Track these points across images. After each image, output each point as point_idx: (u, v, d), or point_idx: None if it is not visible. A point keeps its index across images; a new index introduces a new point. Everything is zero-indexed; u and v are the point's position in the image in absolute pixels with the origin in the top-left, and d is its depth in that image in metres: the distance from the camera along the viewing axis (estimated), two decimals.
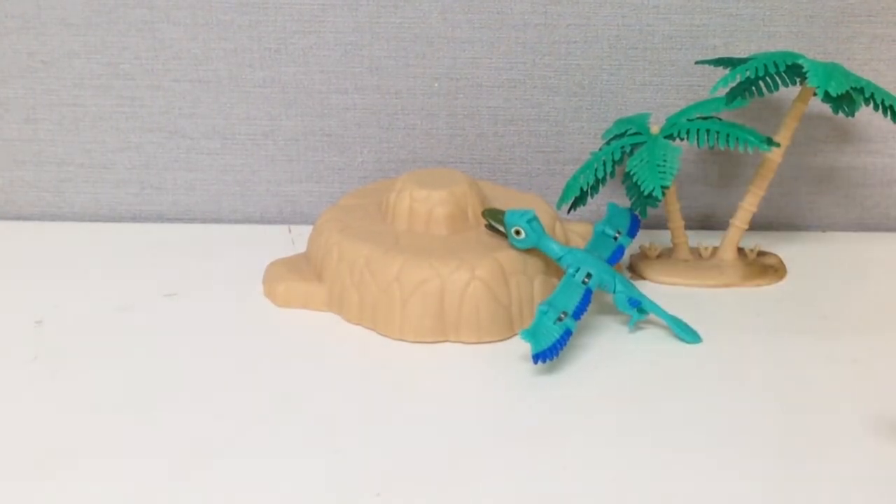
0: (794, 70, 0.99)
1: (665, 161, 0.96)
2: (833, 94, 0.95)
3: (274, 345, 0.92)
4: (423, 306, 0.93)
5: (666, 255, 1.08)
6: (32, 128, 1.16)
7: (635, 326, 0.96)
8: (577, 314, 0.91)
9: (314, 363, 0.90)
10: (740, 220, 1.05)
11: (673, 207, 1.05)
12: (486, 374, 0.90)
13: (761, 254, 1.08)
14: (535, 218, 0.95)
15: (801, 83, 1.00)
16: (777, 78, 1.00)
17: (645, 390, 0.87)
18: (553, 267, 0.98)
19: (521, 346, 0.90)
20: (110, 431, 0.81)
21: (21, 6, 1.11)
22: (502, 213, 0.96)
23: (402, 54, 1.12)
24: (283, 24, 1.11)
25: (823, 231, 1.17)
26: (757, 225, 1.09)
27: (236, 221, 1.19)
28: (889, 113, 1.00)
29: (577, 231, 1.05)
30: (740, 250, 1.07)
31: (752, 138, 0.98)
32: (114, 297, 1.00)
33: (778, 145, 1.01)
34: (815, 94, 0.97)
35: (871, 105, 1.00)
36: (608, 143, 1.03)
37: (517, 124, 1.15)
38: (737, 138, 0.98)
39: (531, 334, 0.89)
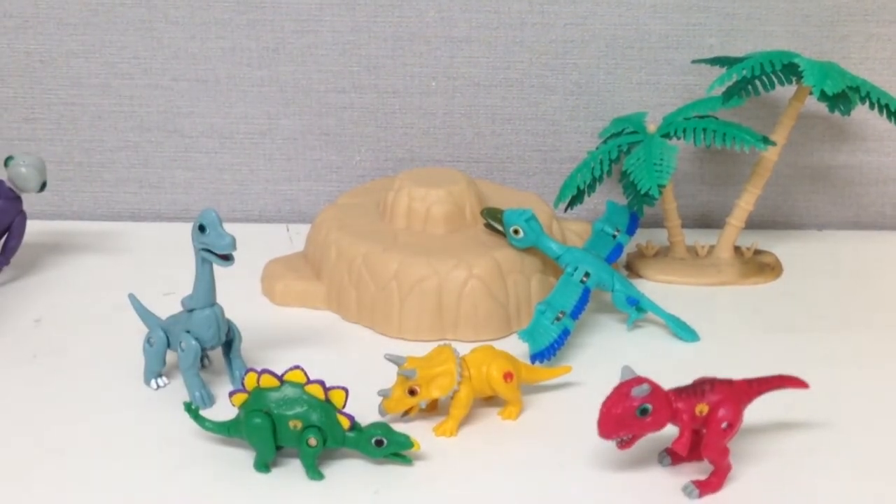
0: (790, 69, 0.99)
1: (662, 160, 0.96)
2: (829, 93, 0.95)
3: (272, 343, 0.92)
4: (420, 305, 0.93)
5: (663, 253, 1.08)
6: (31, 127, 1.16)
7: (633, 325, 0.96)
8: (575, 314, 0.92)
9: (312, 362, 0.90)
10: (737, 218, 1.06)
11: (670, 206, 1.05)
12: None
13: (758, 252, 1.09)
14: (533, 217, 0.95)
15: (797, 82, 1.00)
16: (773, 77, 1.00)
17: None
18: (551, 265, 0.98)
19: (518, 345, 0.90)
20: (109, 431, 0.81)
21: (19, 5, 1.11)
22: (501, 212, 0.96)
23: (400, 53, 1.12)
24: (282, 24, 1.11)
25: (819, 230, 1.18)
26: (753, 223, 1.10)
27: (234, 220, 1.19)
28: (885, 112, 1.00)
29: (574, 230, 1.05)
30: (737, 249, 1.08)
31: (748, 137, 0.98)
32: (112, 296, 1.00)
33: (774, 144, 1.01)
34: (811, 93, 0.97)
35: (867, 104, 1.00)
36: (605, 141, 1.03)
37: (514, 123, 1.15)
38: (733, 137, 0.98)
39: (529, 334, 0.89)
